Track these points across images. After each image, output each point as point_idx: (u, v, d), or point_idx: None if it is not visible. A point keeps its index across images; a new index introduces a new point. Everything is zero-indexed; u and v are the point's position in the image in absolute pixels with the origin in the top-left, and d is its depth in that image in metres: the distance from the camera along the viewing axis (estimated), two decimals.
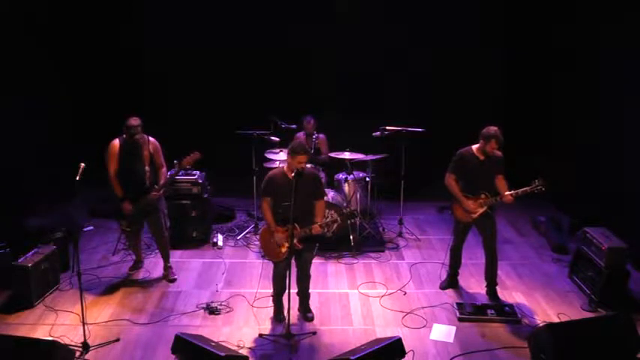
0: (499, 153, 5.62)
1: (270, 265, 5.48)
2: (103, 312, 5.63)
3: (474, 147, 5.64)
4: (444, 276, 6.28)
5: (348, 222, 6.85)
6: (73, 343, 4.99)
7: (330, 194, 6.94)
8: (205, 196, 7.18)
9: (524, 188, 5.48)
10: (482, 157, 5.59)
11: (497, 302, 5.82)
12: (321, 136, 7.58)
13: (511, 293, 6.07)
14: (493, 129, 5.47)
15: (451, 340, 5.23)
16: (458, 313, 5.59)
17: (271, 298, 5.59)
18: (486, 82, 8.18)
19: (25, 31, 7.18)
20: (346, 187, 7.43)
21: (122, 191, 5.84)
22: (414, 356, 4.90)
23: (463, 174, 5.68)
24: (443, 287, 6.16)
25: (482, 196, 5.62)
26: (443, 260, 6.47)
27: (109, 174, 5.79)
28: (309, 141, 7.42)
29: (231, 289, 6.11)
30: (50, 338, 5.00)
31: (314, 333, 5.32)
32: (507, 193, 5.50)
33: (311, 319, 5.56)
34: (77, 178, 4.90)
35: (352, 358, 4.47)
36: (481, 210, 5.64)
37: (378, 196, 7.74)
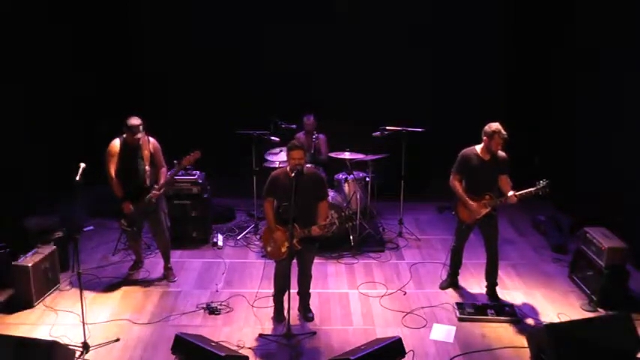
0: (503, 153, 5.56)
1: (271, 265, 5.48)
2: (103, 312, 5.63)
3: (478, 147, 5.58)
4: (444, 276, 6.28)
5: (346, 225, 6.85)
6: (73, 343, 4.99)
7: (330, 194, 6.91)
8: (205, 196, 7.18)
9: (529, 189, 5.44)
10: (486, 157, 5.53)
11: (497, 302, 5.82)
12: (322, 136, 7.59)
13: (511, 293, 6.07)
14: (494, 125, 5.40)
15: (451, 340, 5.23)
16: (458, 313, 5.59)
17: (272, 297, 5.59)
18: (486, 82, 8.17)
19: (24, 29, 7.17)
20: (346, 187, 7.42)
21: (122, 191, 5.83)
22: (414, 356, 4.91)
23: (467, 174, 5.64)
24: (443, 287, 6.16)
25: (487, 196, 5.58)
26: (443, 260, 6.47)
27: (109, 175, 5.78)
28: (309, 140, 7.43)
29: (231, 289, 6.11)
30: (50, 338, 4.99)
31: (314, 333, 5.32)
32: (511, 193, 5.45)
33: (311, 319, 5.56)
34: (77, 178, 4.90)
35: (352, 358, 4.48)
36: (485, 210, 5.60)
37: (378, 196, 7.74)
